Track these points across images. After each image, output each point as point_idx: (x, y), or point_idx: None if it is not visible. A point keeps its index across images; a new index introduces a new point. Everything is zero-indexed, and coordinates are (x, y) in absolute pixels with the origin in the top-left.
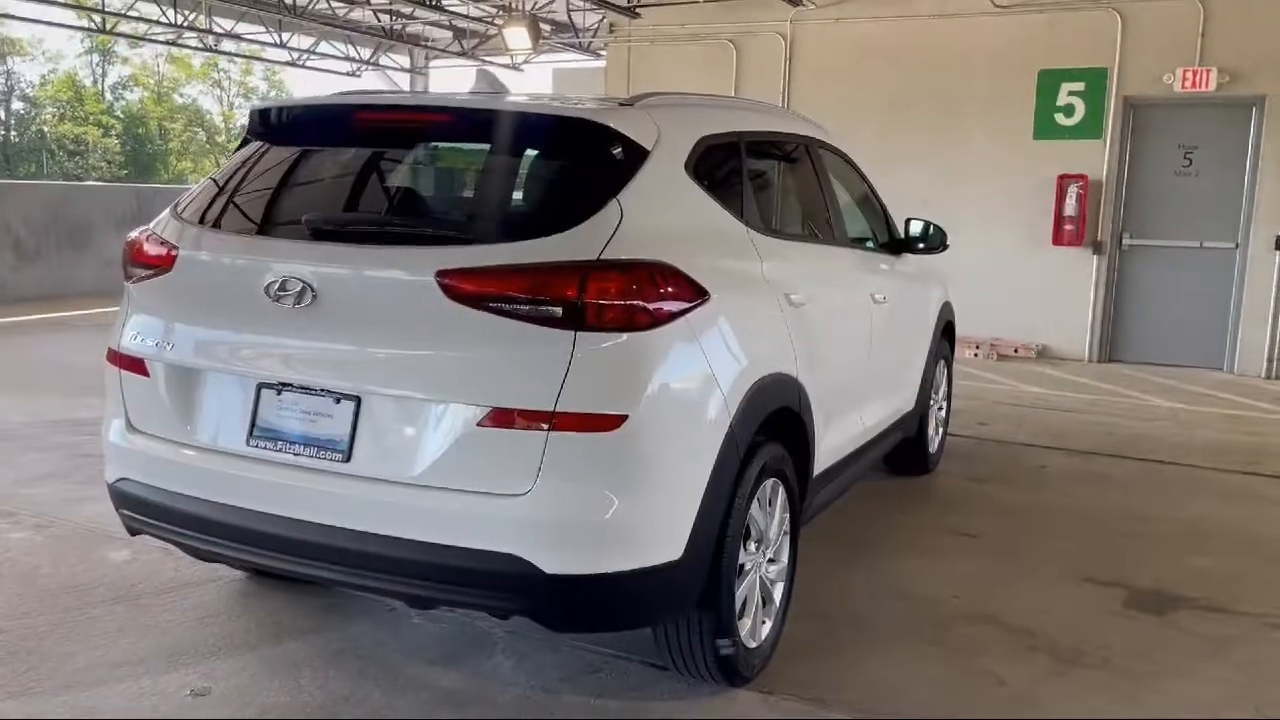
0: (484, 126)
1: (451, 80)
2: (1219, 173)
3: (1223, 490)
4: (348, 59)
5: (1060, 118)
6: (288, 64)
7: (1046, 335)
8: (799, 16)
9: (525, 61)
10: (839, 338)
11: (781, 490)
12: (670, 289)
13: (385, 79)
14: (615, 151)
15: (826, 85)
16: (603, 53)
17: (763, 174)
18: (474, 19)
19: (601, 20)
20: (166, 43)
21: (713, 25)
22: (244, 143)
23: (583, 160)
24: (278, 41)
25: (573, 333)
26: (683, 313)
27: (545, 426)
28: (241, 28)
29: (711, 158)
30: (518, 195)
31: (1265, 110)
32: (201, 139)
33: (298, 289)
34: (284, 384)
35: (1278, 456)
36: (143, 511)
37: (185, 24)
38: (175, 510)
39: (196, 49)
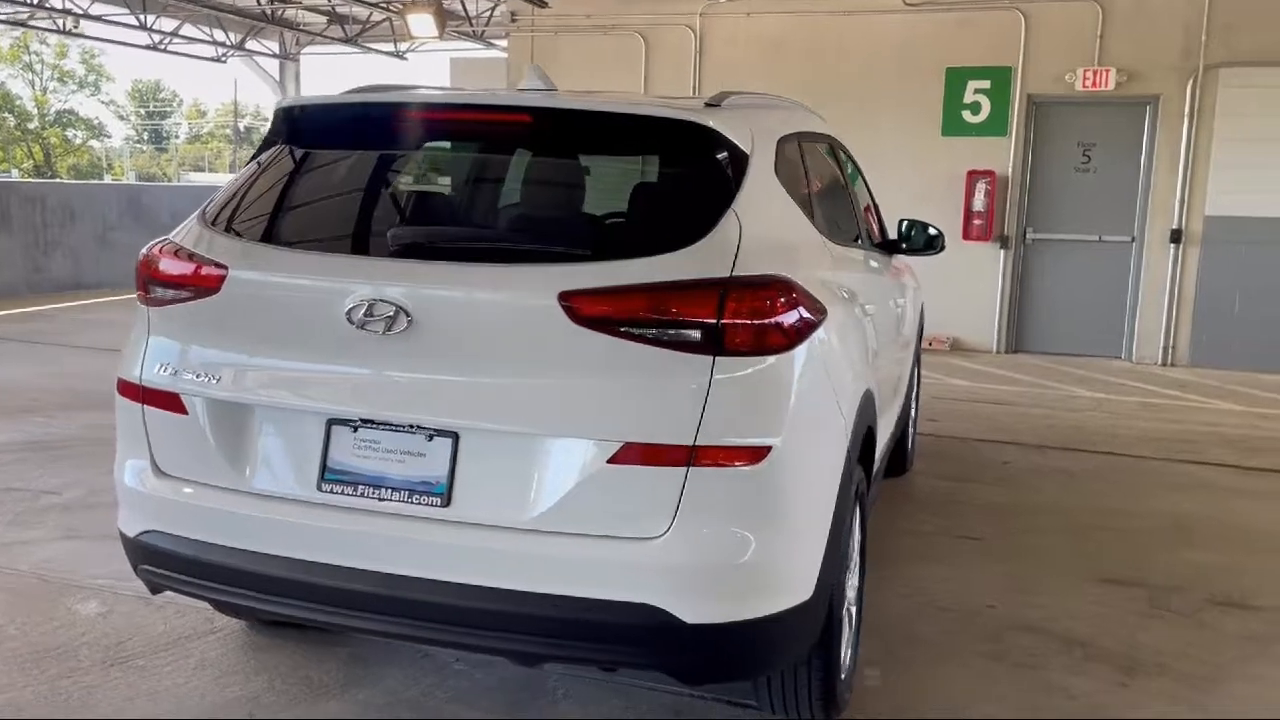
0: (583, 130)
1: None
2: (1116, 169)
3: (1177, 481)
4: (214, 43)
5: (968, 115)
6: (149, 48)
7: (958, 328)
8: (709, 10)
9: (411, 50)
10: (884, 346)
11: (858, 509)
12: (800, 306)
13: (254, 66)
14: (721, 157)
15: (737, 80)
16: (497, 42)
17: (817, 176)
18: (359, 3)
19: (494, 8)
20: (16, 24)
21: (621, 17)
22: (265, 144)
23: (694, 166)
24: (141, 23)
25: (711, 357)
26: (810, 331)
27: (684, 462)
28: (100, 8)
29: (786, 161)
30: (632, 206)
31: (1159, 109)
32: (10, 125)
33: (389, 313)
34: (364, 420)
35: (1210, 444)
36: (177, 568)
37: (37, 2)
38: (222, 566)
39: (51, 30)
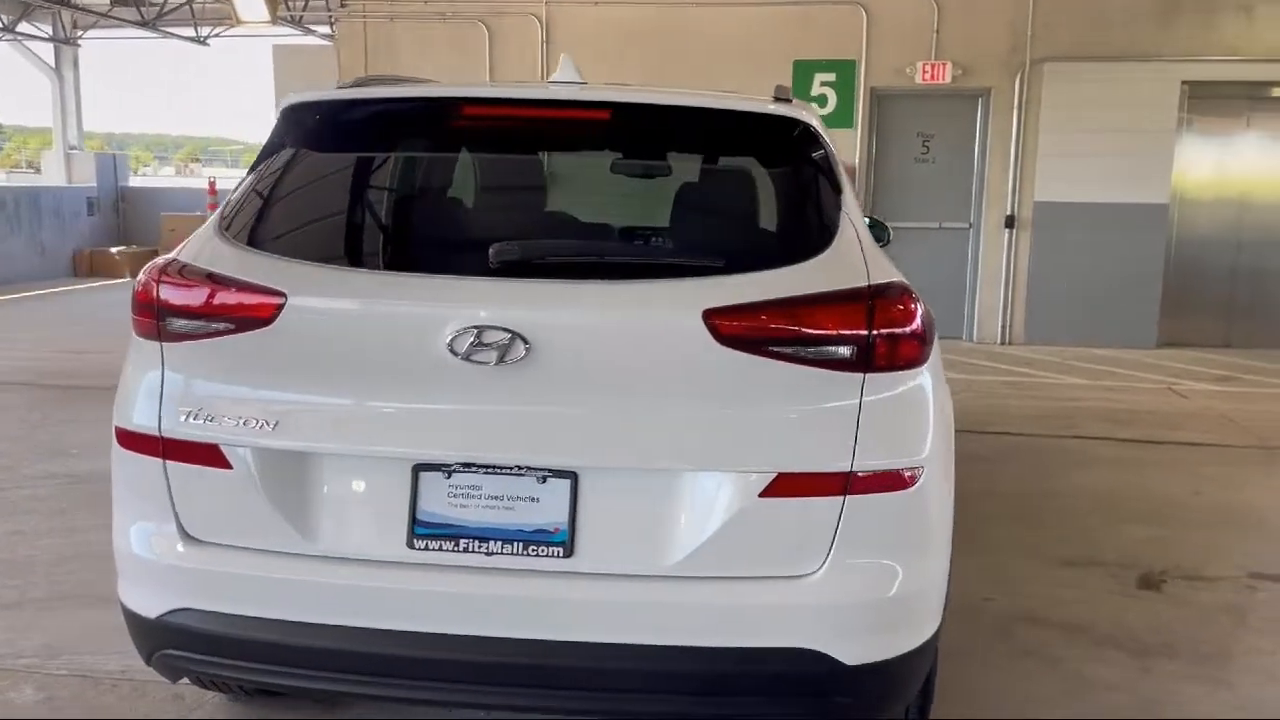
0: (682, 127)
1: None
2: (954, 159)
3: (1077, 458)
4: None
5: (815, 107)
6: None
7: None
8: None
9: (214, 35)
10: None
11: None
12: (924, 313)
13: (24, 52)
14: (818, 155)
15: (587, 70)
16: (316, 28)
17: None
18: None
19: None
20: None
21: (462, 4)
22: (289, 145)
23: (803, 166)
24: None
25: (861, 374)
26: (933, 338)
27: (841, 490)
28: None
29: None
30: (752, 212)
31: (991, 102)
32: None
33: (502, 341)
34: (462, 464)
35: (1083, 419)
36: (219, 651)
37: None
38: (282, 646)
39: None
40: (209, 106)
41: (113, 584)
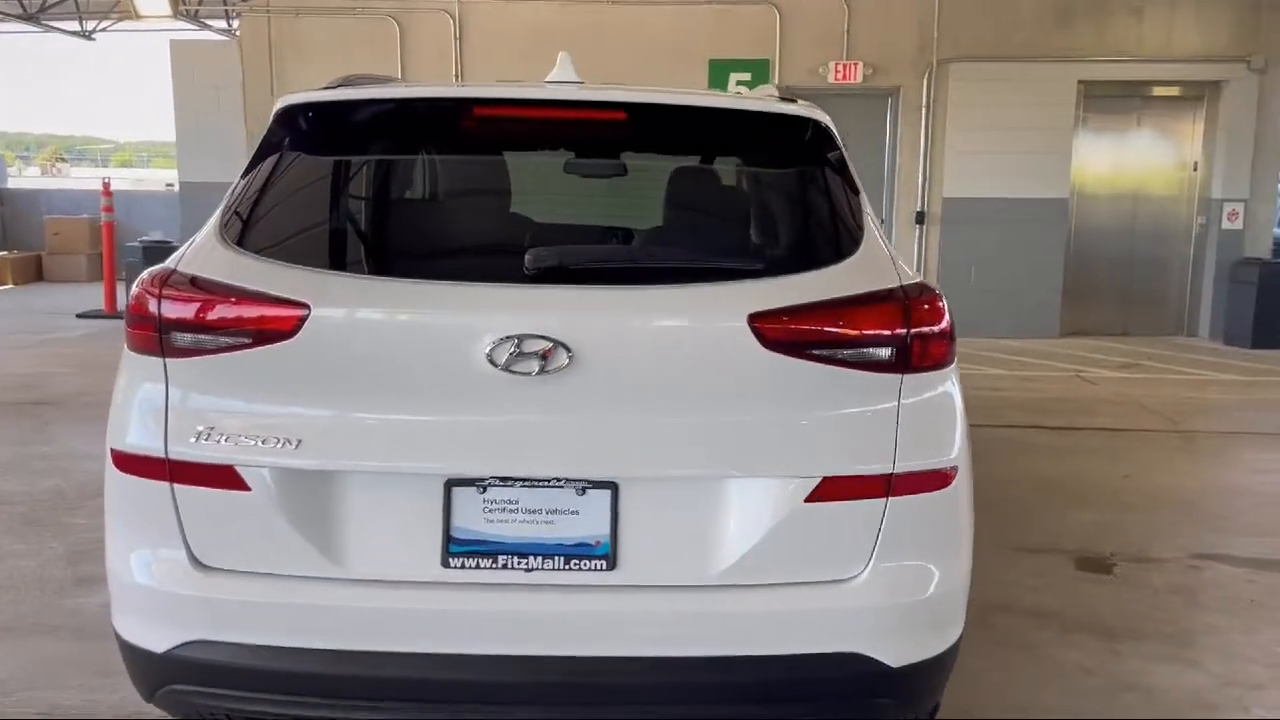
0: (704, 128)
1: None
2: (867, 157)
3: (1012, 446)
4: None
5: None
6: None
7: None
8: None
9: (101, 30)
10: None
11: None
12: (948, 312)
13: None
14: (834, 156)
15: (502, 68)
16: (212, 23)
17: None
18: None
19: None
20: None
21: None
22: (268, 149)
23: (824, 167)
24: None
25: (899, 376)
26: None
27: (884, 492)
28: None
29: None
30: (784, 214)
31: (901, 100)
32: None
33: (545, 349)
34: (498, 477)
35: (1005, 408)
36: (237, 683)
37: None
38: (307, 675)
39: None
40: (75, 105)
41: (55, 613)
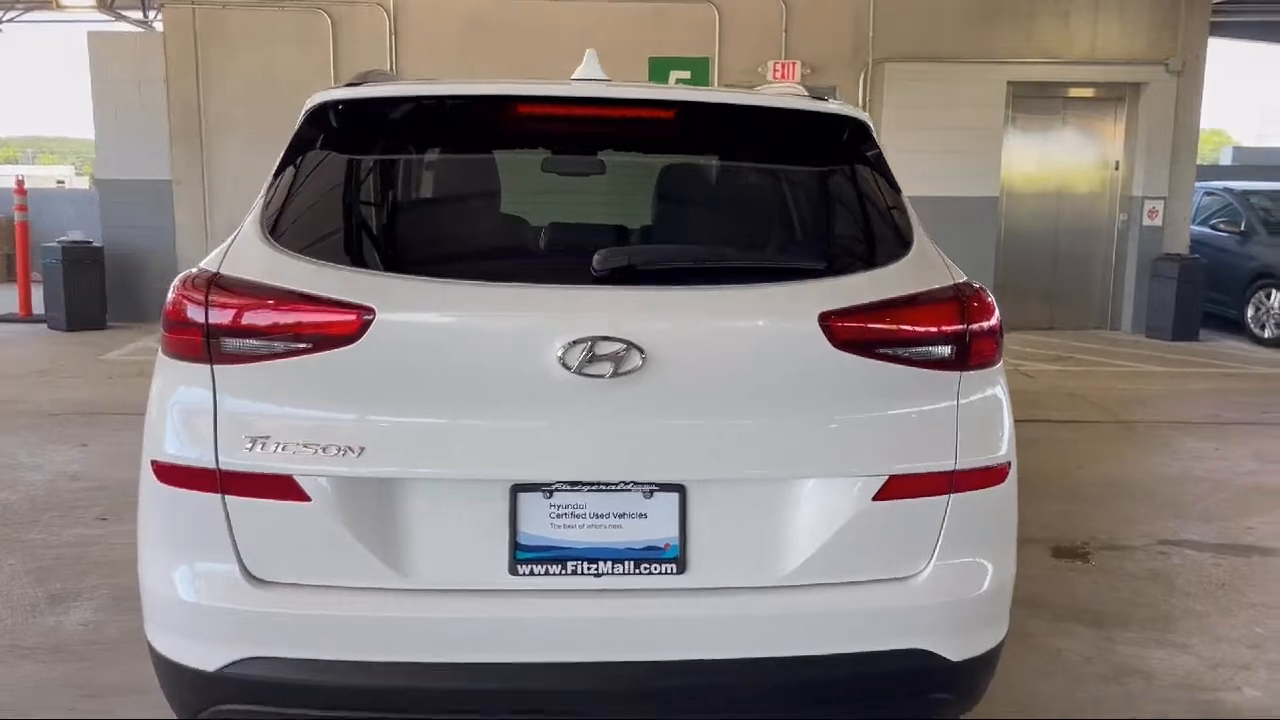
0: (754, 127)
1: None
2: None
3: None
4: None
5: None
6: None
7: None
8: None
9: (9, 21)
10: None
11: None
12: (996, 308)
13: None
14: (873, 155)
15: (438, 64)
16: (129, 14)
17: None
18: None
19: None
20: None
21: None
22: (301, 147)
23: (869, 166)
24: None
25: (958, 372)
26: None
27: (946, 489)
28: None
29: None
30: (840, 213)
31: (837, 99)
32: None
33: (619, 352)
34: (566, 482)
35: None
36: (294, 700)
37: None
38: (370, 690)
39: None
40: None
41: (29, 633)
